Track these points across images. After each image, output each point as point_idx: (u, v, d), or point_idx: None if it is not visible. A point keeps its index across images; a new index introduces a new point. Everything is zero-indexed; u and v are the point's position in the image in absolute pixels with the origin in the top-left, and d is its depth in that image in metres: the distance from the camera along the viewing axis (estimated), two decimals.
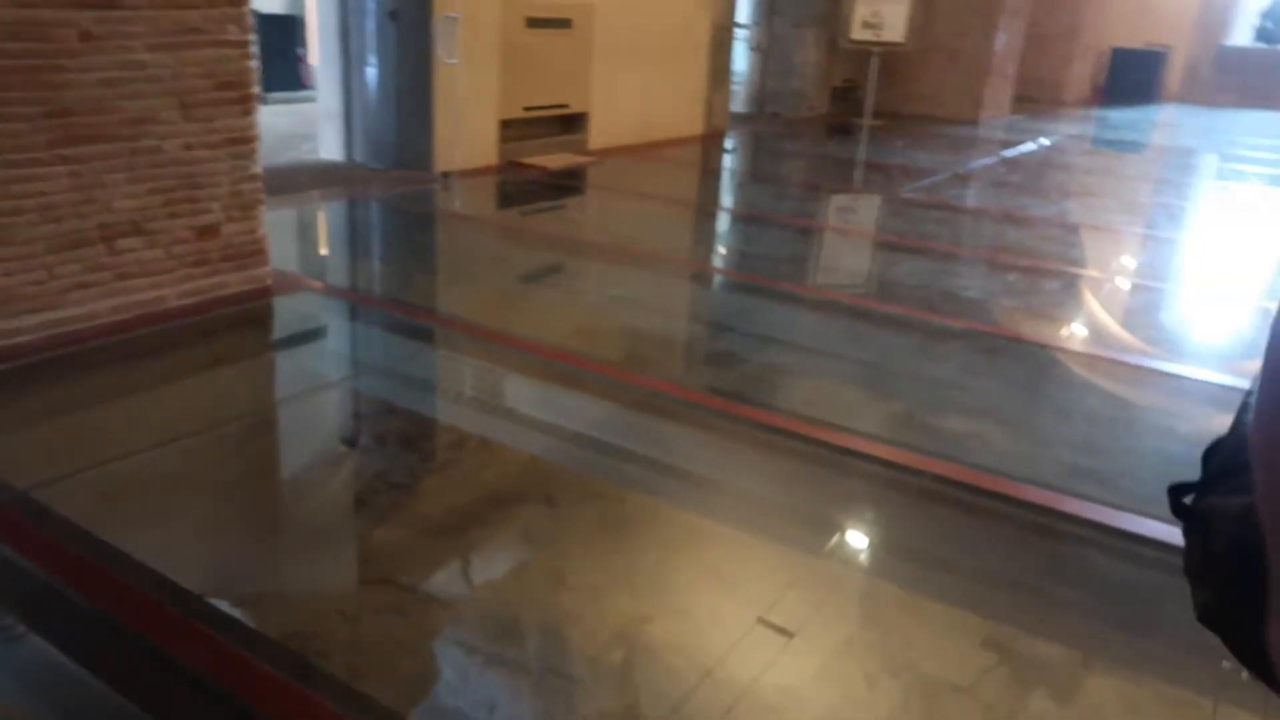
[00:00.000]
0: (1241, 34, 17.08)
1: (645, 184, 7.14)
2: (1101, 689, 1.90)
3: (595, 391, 3.20)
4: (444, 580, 2.14)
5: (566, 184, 6.85)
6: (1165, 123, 13.70)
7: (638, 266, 4.80)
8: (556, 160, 7.08)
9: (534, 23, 6.74)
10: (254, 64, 3.67)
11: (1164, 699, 1.89)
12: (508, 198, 6.48)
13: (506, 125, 6.81)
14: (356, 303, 4.07)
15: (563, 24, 7.01)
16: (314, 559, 2.21)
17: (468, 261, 4.93)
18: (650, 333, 3.92)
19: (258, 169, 3.75)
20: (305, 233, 5.22)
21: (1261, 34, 16.90)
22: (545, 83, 7.03)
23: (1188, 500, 0.82)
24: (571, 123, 7.47)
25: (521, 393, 3.25)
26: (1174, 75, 16.91)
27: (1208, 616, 0.84)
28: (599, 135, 7.64)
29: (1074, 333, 4.23)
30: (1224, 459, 0.78)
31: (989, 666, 1.92)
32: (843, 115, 11.00)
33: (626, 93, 7.82)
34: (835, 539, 2.41)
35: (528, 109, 6.95)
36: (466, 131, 6.39)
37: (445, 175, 6.27)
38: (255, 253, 3.80)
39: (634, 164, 7.61)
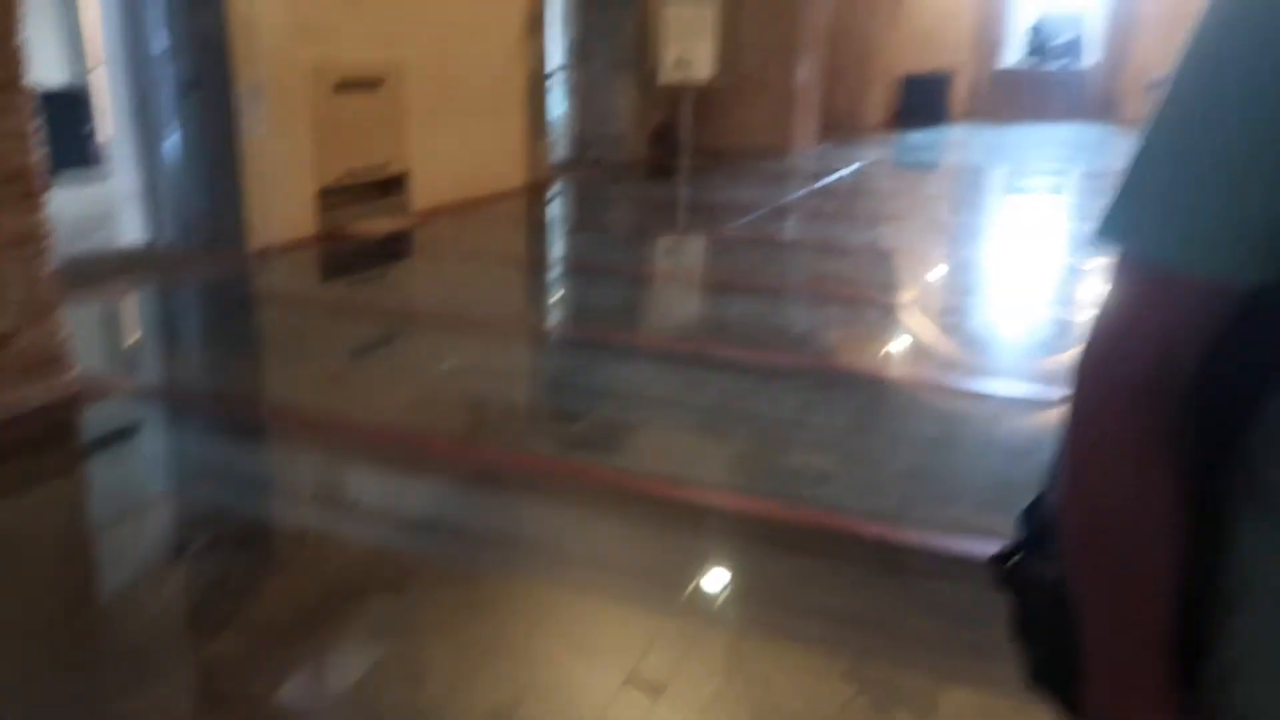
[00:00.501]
0: (1013, 55, 18.70)
1: (473, 243, 7.09)
2: (958, 703, 2.02)
3: (437, 469, 3.14)
4: (297, 687, 2.04)
5: (392, 250, 6.72)
6: (956, 142, 14.80)
7: (471, 332, 4.75)
8: (381, 225, 6.94)
9: (343, 85, 6.60)
10: (40, 154, 3.42)
11: (1019, 711, 2.00)
12: (332, 269, 6.29)
13: (325, 193, 6.62)
14: (175, 402, 3.84)
15: (373, 84, 6.91)
16: (150, 687, 2.05)
17: (292, 343, 4.73)
18: (489, 400, 3.88)
19: (52, 267, 3.49)
20: (113, 329, 4.89)
21: (1028, 52, 18.55)
22: (362, 146, 6.89)
23: (1008, 565, 0.87)
24: (393, 185, 7.34)
25: (361, 480, 3.14)
26: (960, 96, 18.29)
27: (1035, 678, 0.89)
28: (422, 195, 7.54)
29: (898, 360, 4.48)
30: (1039, 523, 0.85)
31: (850, 698, 2.01)
32: (663, 156, 11.31)
33: (446, 150, 7.76)
34: (691, 593, 2.44)
35: (346, 174, 6.79)
36: (281, 203, 6.17)
37: (262, 251, 6.03)
38: (56, 360, 3.53)
39: (460, 223, 7.54)
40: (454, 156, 7.89)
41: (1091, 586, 0.69)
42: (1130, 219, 0.64)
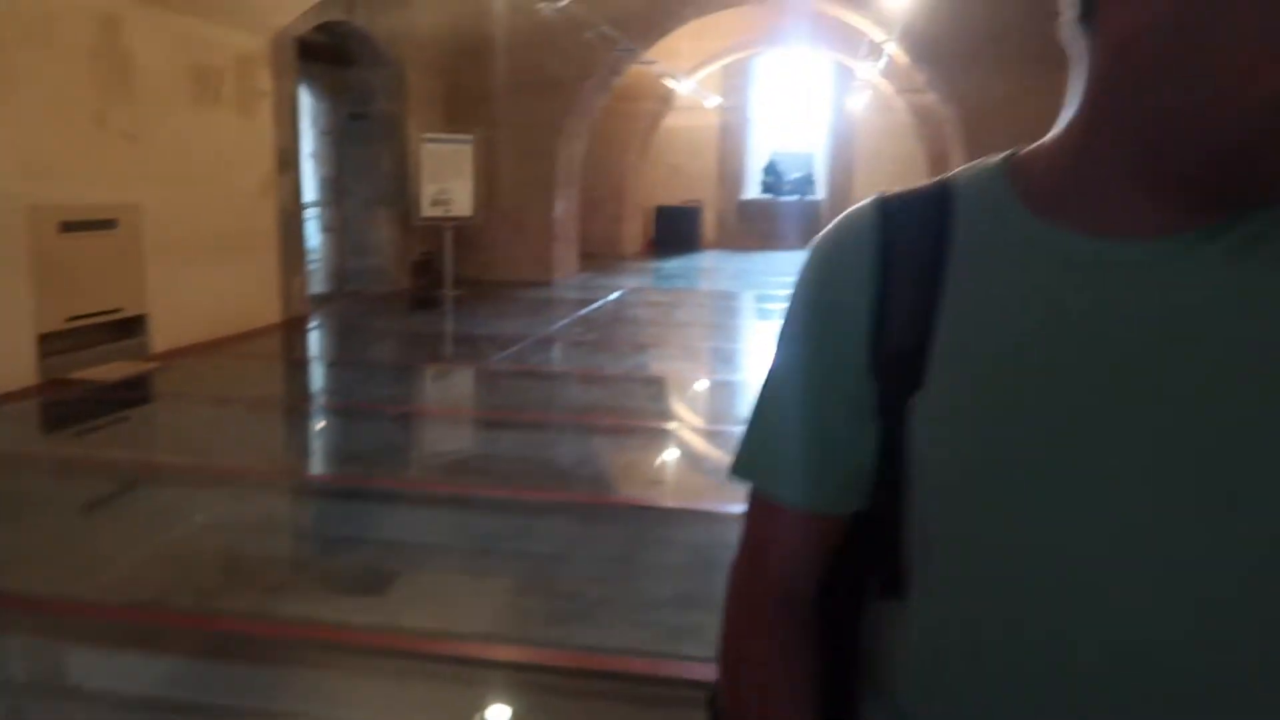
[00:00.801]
0: (754, 189, 20.46)
1: (221, 385, 6.72)
2: None
3: (177, 640, 2.87)
4: None
5: (128, 396, 6.22)
6: (707, 268, 15.85)
7: (217, 483, 4.45)
8: (114, 370, 6.42)
9: (70, 226, 6.16)
10: None
11: None
12: (55, 421, 5.72)
13: (48, 339, 6.07)
14: None
15: (106, 225, 6.50)
16: None
17: (7, 508, 4.22)
18: (237, 558, 3.62)
19: None
20: None
21: (765, 187, 20.37)
22: (92, 288, 6.41)
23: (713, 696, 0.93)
24: (128, 327, 6.85)
25: (85, 661, 2.82)
26: (709, 226, 19.71)
27: None
28: (163, 337, 7.08)
29: (662, 487, 4.64)
30: None
31: None
32: (425, 287, 11.31)
33: (191, 288, 7.37)
34: None
35: (73, 319, 6.26)
36: None
37: None
38: None
39: (207, 364, 7.13)
40: (200, 295, 7.51)
41: None
42: (748, 460, 0.77)
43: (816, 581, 0.76)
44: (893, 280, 0.69)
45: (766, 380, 0.77)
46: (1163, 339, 0.60)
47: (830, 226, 0.75)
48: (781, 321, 0.76)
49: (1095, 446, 0.60)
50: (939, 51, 10.23)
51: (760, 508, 0.77)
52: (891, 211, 0.71)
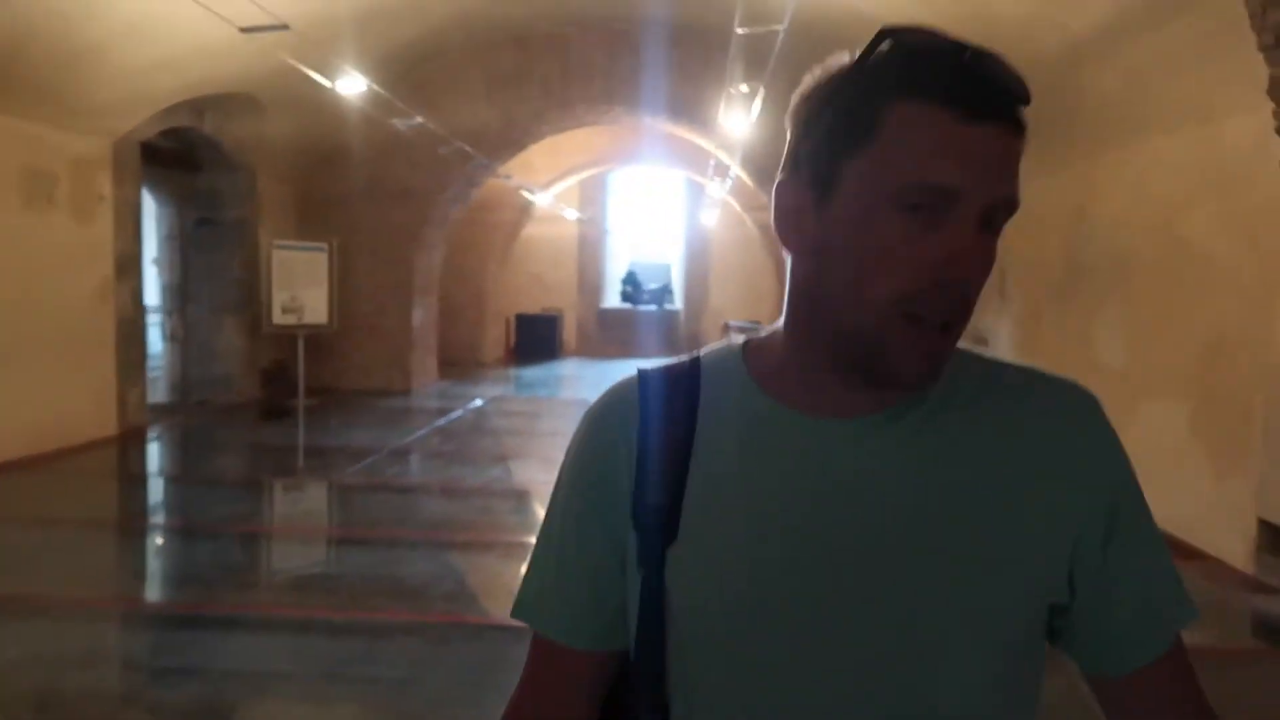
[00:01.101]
0: (612, 297, 20.95)
1: (45, 505, 6.26)
2: None
3: None
4: None
5: None
6: (567, 376, 16.01)
7: (41, 614, 4.13)
8: None
9: None
10: None
11: None
12: None
13: None
14: None
15: None
16: None
17: None
18: (64, 695, 3.35)
19: None
20: None
21: (624, 296, 20.90)
22: None
23: None
24: None
25: None
26: (569, 333, 19.97)
27: None
28: None
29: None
30: None
31: None
32: (276, 396, 10.95)
33: (14, 398, 6.92)
34: None
35: None
36: None
37: None
38: None
39: (30, 480, 6.65)
40: (24, 405, 7.05)
41: None
42: (528, 603, 0.87)
43: (590, 715, 0.86)
44: (649, 444, 0.80)
45: (543, 530, 0.87)
46: (855, 500, 0.75)
47: (600, 397, 0.88)
48: (557, 478, 0.87)
49: (809, 593, 0.74)
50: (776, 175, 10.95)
51: (538, 646, 0.86)
52: (649, 384, 0.84)
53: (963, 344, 0.77)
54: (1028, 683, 0.78)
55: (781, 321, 0.81)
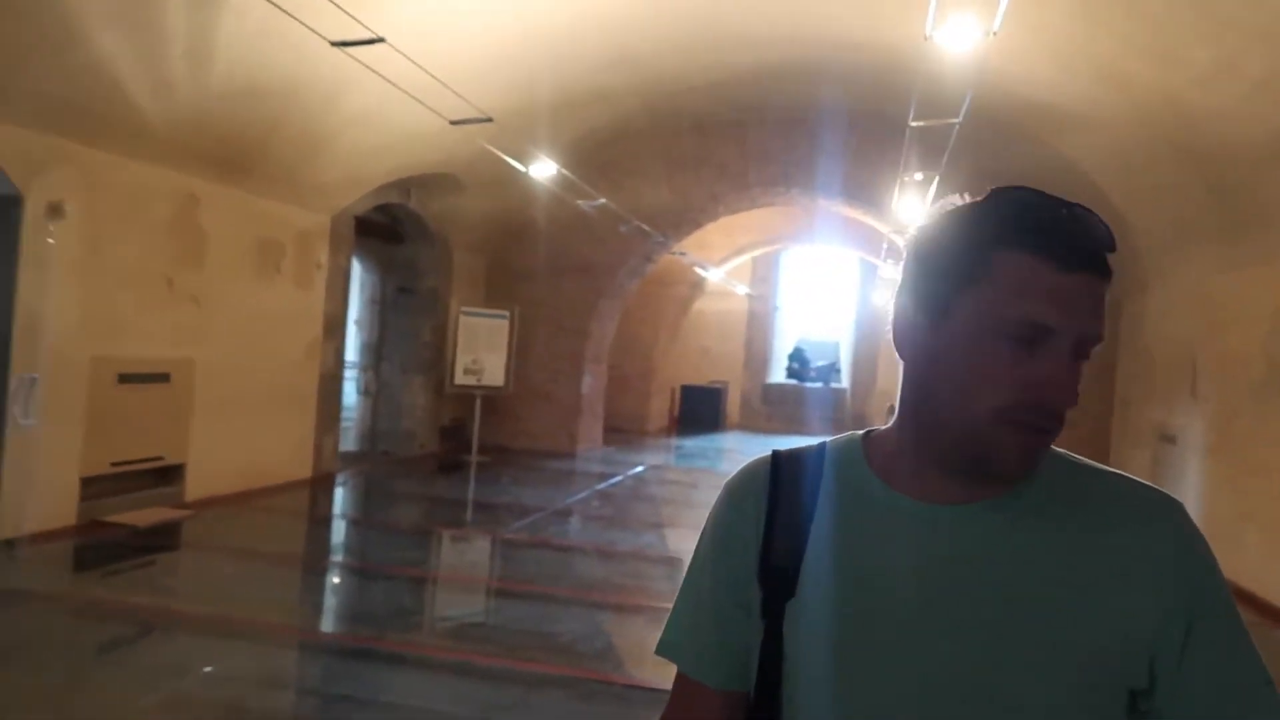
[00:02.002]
0: (778, 373, 20.96)
1: (246, 538, 6.94)
2: None
3: None
4: None
5: (157, 543, 6.45)
6: (728, 449, 16.06)
7: (235, 636, 4.60)
8: (147, 516, 6.68)
9: (126, 378, 6.60)
10: None
11: None
12: (88, 562, 5.94)
13: (89, 482, 6.38)
14: None
15: (160, 379, 6.94)
16: None
17: (25, 647, 4.38)
18: (246, 711, 3.74)
19: None
20: None
21: (790, 372, 20.87)
22: (138, 436, 6.78)
23: None
24: (167, 474, 7.17)
25: None
26: (732, 406, 20.08)
27: None
28: (197, 485, 7.38)
29: (661, 669, 4.71)
30: None
31: None
32: (452, 452, 11.62)
33: (229, 440, 7.73)
34: None
35: (116, 464, 6.60)
36: (39, 492, 5.90)
37: (9, 541, 5.65)
38: None
39: (236, 515, 7.38)
40: (237, 447, 7.85)
41: None
42: (670, 644, 1.02)
43: None
44: (777, 514, 0.96)
45: (685, 580, 1.03)
46: (950, 577, 0.88)
47: (738, 471, 1.04)
48: (700, 536, 1.03)
49: (906, 653, 0.87)
50: None
51: (679, 682, 1.01)
52: (781, 463, 1.00)
53: (1065, 450, 0.92)
54: None
55: (896, 418, 0.96)
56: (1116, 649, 0.84)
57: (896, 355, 0.94)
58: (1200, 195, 7.01)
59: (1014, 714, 0.83)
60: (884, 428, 0.99)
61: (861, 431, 1.01)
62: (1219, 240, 7.18)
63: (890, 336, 0.95)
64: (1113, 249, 0.84)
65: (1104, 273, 0.84)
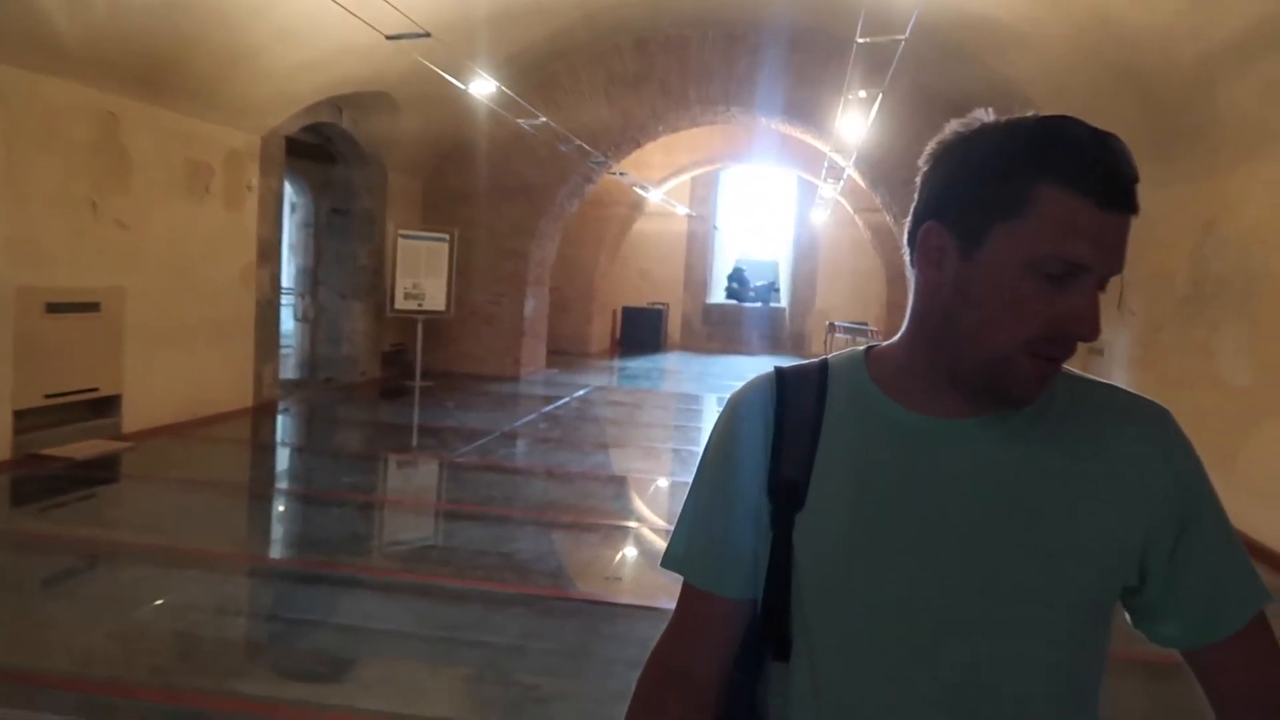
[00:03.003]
0: (718, 293, 21.06)
1: (190, 468, 6.83)
2: None
3: (136, 715, 2.99)
4: None
5: (97, 475, 6.32)
6: (670, 370, 16.21)
7: (185, 565, 4.56)
8: (85, 448, 6.53)
9: (55, 308, 6.36)
10: None
11: None
12: (21, 496, 5.80)
13: (22, 415, 6.19)
14: None
15: (90, 308, 6.70)
16: None
17: None
18: (198, 637, 3.74)
19: None
20: None
21: (729, 293, 20.98)
22: (70, 368, 6.57)
23: None
24: (103, 406, 6.98)
25: None
26: (674, 327, 20.20)
27: None
28: (135, 416, 7.21)
29: (616, 585, 4.82)
30: None
31: None
32: (394, 377, 11.51)
33: (166, 370, 7.55)
34: None
35: (50, 396, 6.40)
36: None
37: None
38: None
39: (177, 445, 7.25)
40: (175, 378, 7.67)
41: None
42: (678, 556, 1.04)
43: (729, 655, 1.02)
44: (785, 429, 0.98)
45: (690, 496, 1.05)
46: (952, 485, 0.92)
47: (743, 386, 1.05)
48: (703, 452, 1.06)
49: (914, 560, 0.91)
50: (891, 177, 10.89)
51: (686, 593, 1.04)
52: (786, 379, 1.02)
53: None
54: (1090, 666, 0.93)
55: (903, 333, 0.97)
56: (1113, 550, 0.89)
57: (910, 267, 0.95)
58: (1134, 115, 7.13)
59: (1017, 616, 0.88)
60: (885, 343, 1.01)
61: (863, 347, 1.03)
62: (1150, 158, 7.34)
63: (906, 248, 0.95)
64: (1138, 180, 0.85)
65: (1135, 209, 0.85)
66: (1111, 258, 0.85)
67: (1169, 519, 0.90)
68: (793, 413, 0.98)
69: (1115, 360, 8.18)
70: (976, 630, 0.88)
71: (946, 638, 0.89)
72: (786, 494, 0.96)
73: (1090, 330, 0.85)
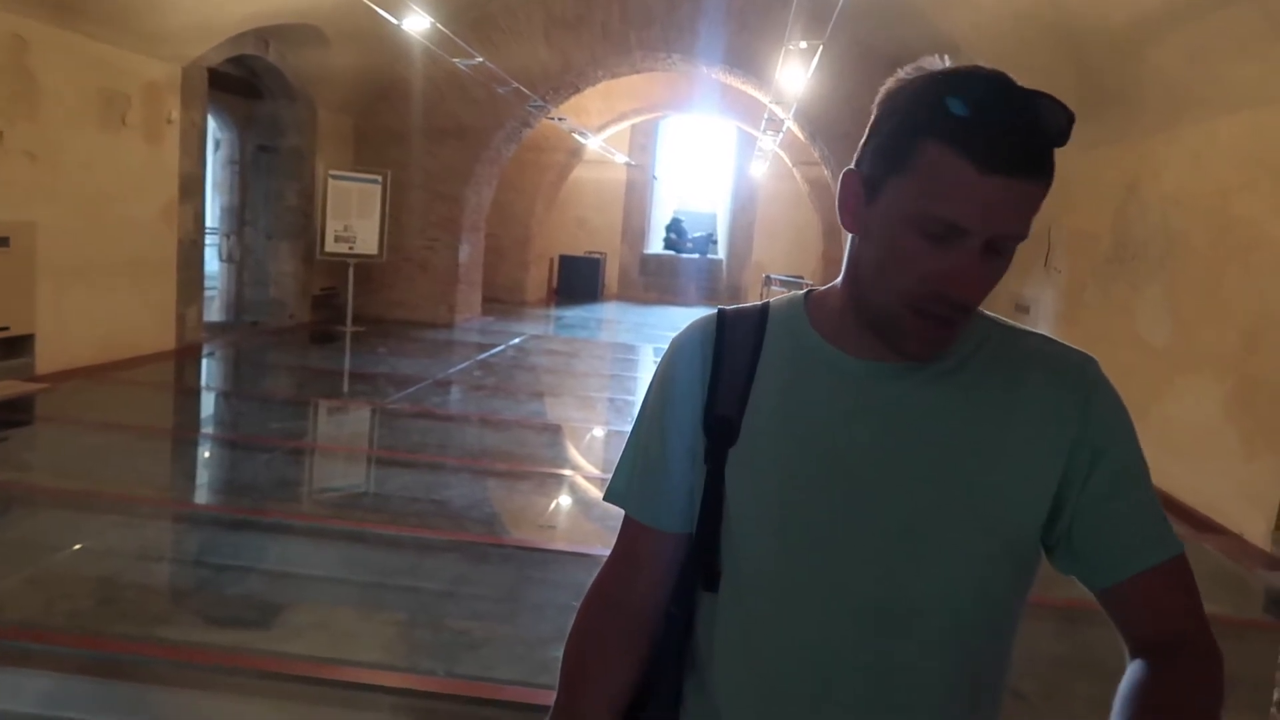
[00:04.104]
0: (656, 243, 21.01)
1: (109, 411, 6.61)
2: None
3: (56, 662, 2.92)
4: None
5: (10, 417, 6.08)
6: (607, 319, 16.18)
7: (104, 511, 4.44)
8: None
9: None
10: None
11: None
12: None
13: None
14: None
15: None
16: None
17: None
18: (121, 583, 3.65)
19: None
20: None
21: (667, 243, 20.95)
22: None
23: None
24: (14, 346, 6.69)
25: None
26: (611, 277, 20.11)
27: None
28: (50, 357, 6.94)
29: (550, 532, 4.84)
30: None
31: None
32: (325, 322, 11.26)
33: (82, 310, 7.26)
34: None
35: None
36: None
37: None
38: None
39: (95, 388, 7.01)
40: (92, 318, 7.39)
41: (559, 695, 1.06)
42: (620, 490, 1.07)
43: (666, 587, 1.05)
44: (722, 368, 1.00)
45: (633, 432, 1.07)
46: (877, 423, 0.93)
47: (687, 327, 1.07)
48: (647, 389, 1.07)
49: (841, 497, 0.93)
50: (829, 131, 10.92)
51: (627, 527, 1.06)
52: (727, 320, 1.04)
53: (990, 312, 0.96)
54: (1003, 606, 0.95)
55: (840, 279, 0.98)
56: (1024, 488, 0.91)
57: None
58: (1065, 76, 7.24)
59: (927, 553, 0.90)
60: (824, 287, 1.02)
61: (803, 291, 1.03)
62: (1080, 119, 7.46)
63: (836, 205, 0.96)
64: (1059, 144, 0.83)
65: (1032, 175, 0.82)
66: (995, 221, 0.82)
67: (1084, 447, 0.91)
68: (730, 351, 1.00)
69: (1041, 317, 8.40)
70: (887, 566, 0.90)
71: (859, 574, 0.91)
72: (720, 429, 0.97)
73: (967, 292, 0.84)
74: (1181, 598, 0.93)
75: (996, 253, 0.85)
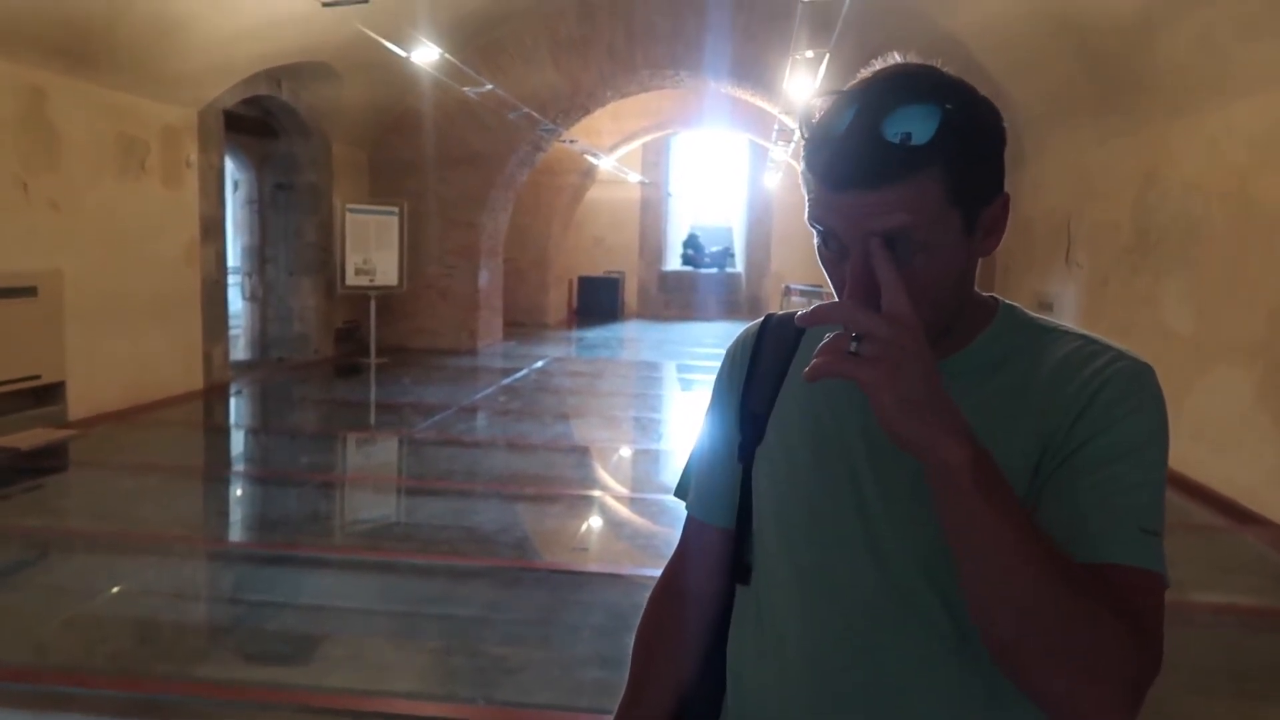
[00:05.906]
0: (674, 260, 21.03)
1: (141, 453, 6.68)
2: None
3: (96, 705, 2.93)
4: None
5: (45, 464, 6.16)
6: (628, 338, 16.19)
7: (140, 552, 4.48)
8: (30, 438, 6.36)
9: None
10: None
11: None
12: None
13: None
14: None
15: (26, 293, 6.49)
16: None
17: None
18: (158, 623, 3.67)
19: None
20: None
21: (685, 259, 20.97)
22: (9, 355, 6.37)
23: None
24: (46, 393, 6.79)
25: None
26: (630, 295, 20.15)
27: None
28: (81, 403, 7.03)
29: (582, 555, 4.83)
30: None
31: None
32: (349, 355, 11.35)
33: (111, 355, 7.36)
34: None
35: None
36: None
37: None
38: None
39: (126, 431, 7.09)
40: (121, 362, 7.49)
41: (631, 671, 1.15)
42: (681, 487, 1.15)
43: (724, 577, 1.09)
44: (757, 369, 1.06)
45: (700, 431, 1.13)
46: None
47: (742, 330, 1.13)
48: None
49: (850, 496, 0.93)
50: None
51: (688, 521, 1.14)
52: (770, 324, 1.10)
53: (1023, 306, 0.96)
54: None
55: None
56: (1014, 467, 0.83)
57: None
58: (1075, 68, 7.20)
59: (947, 557, 0.82)
60: None
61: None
62: (1093, 112, 7.44)
63: None
64: (916, 147, 0.78)
65: (883, 184, 0.79)
66: (856, 227, 0.81)
67: (1081, 425, 0.84)
68: (768, 353, 1.06)
69: (1064, 313, 8.32)
70: (892, 566, 0.90)
71: (863, 573, 0.92)
72: (751, 427, 1.03)
73: (861, 295, 0.79)
74: (1141, 599, 0.80)
75: (900, 252, 0.80)
